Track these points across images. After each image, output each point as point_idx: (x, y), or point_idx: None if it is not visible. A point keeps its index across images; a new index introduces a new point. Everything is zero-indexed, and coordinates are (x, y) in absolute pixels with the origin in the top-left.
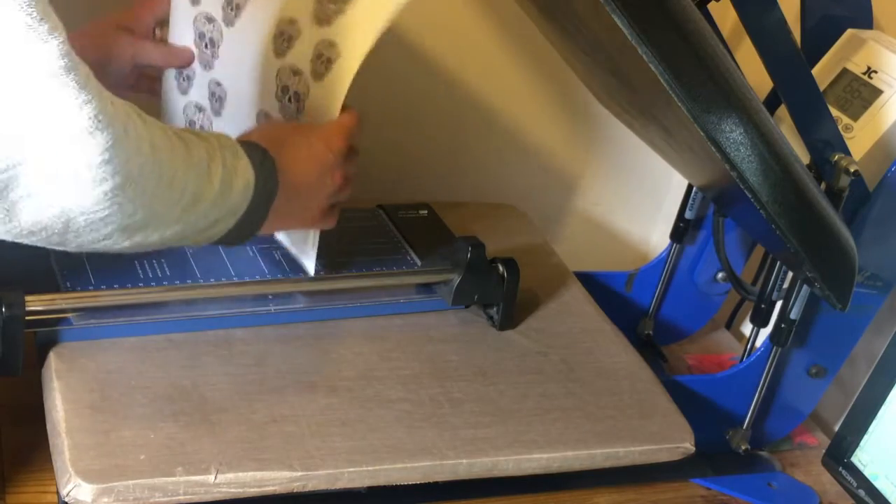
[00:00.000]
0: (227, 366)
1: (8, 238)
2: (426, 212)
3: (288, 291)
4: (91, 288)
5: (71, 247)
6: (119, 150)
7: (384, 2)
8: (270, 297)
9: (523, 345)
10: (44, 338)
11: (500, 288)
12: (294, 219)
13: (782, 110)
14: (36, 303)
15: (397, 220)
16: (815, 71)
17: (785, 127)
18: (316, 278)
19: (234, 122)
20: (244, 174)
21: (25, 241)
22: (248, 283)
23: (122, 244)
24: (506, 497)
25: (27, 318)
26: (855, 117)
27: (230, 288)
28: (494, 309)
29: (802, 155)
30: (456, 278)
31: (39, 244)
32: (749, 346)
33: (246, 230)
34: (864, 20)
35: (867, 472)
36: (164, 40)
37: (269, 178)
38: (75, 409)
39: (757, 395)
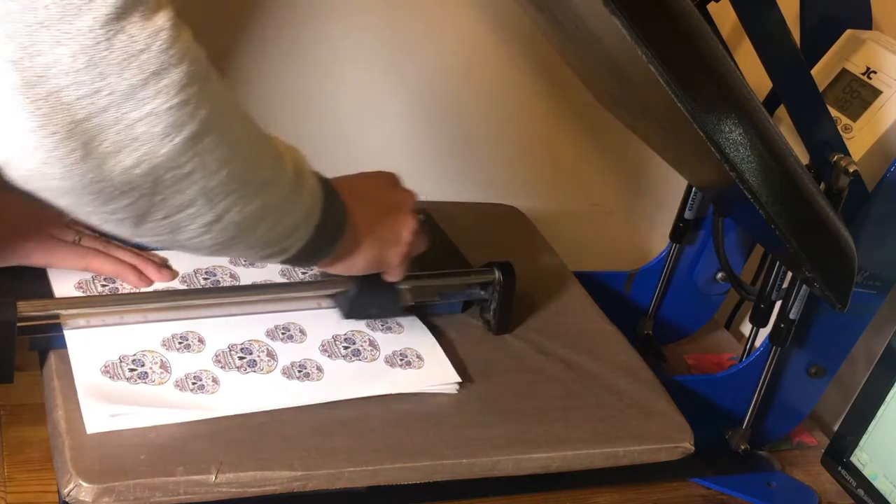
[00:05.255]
0: None
1: (97, 210)
2: (422, 216)
3: (284, 296)
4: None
5: (157, 225)
6: (198, 91)
7: None
8: (261, 302)
9: (523, 345)
10: (39, 343)
11: (398, 302)
12: (370, 249)
13: (782, 110)
14: (29, 309)
15: None
16: (814, 71)
17: (784, 127)
18: (304, 283)
19: None
20: (311, 179)
21: (115, 210)
22: (234, 289)
23: (207, 217)
24: (506, 497)
25: (20, 324)
26: (854, 117)
27: (219, 295)
28: (490, 313)
29: (802, 155)
30: (352, 290)
31: (128, 219)
32: (748, 346)
33: (323, 242)
34: (864, 21)
35: (866, 472)
36: None
37: (332, 193)
38: (76, 408)
39: (756, 394)
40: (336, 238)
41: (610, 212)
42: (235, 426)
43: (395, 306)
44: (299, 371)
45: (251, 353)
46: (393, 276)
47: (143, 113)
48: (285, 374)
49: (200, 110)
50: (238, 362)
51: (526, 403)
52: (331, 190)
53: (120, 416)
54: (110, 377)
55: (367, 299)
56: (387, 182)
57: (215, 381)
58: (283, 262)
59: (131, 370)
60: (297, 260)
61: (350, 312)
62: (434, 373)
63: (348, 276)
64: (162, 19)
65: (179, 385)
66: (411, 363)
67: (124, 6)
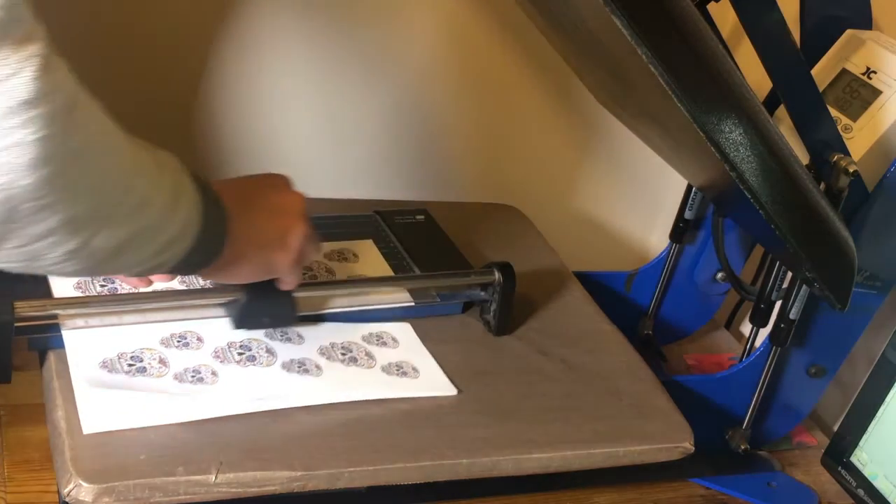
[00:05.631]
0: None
1: None
2: (423, 217)
3: None
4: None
5: (11, 252)
6: (69, 121)
7: None
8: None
9: (523, 345)
10: (38, 343)
11: (293, 311)
12: (254, 257)
13: (782, 110)
14: (26, 309)
15: (394, 226)
16: (814, 71)
17: (784, 127)
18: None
19: None
20: (189, 190)
21: None
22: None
23: (69, 246)
24: (506, 497)
25: (17, 324)
26: (854, 118)
27: (218, 295)
28: (491, 314)
29: (802, 155)
30: (243, 298)
31: None
32: (748, 346)
33: (203, 253)
34: (864, 21)
35: (866, 472)
36: None
37: (212, 202)
38: (75, 408)
39: (756, 394)
40: (217, 248)
41: (610, 212)
42: (235, 426)
43: (289, 315)
44: (299, 367)
45: (250, 350)
46: (287, 285)
47: (8, 142)
48: (285, 368)
49: (71, 141)
50: (237, 357)
51: (526, 403)
52: (211, 199)
53: (118, 411)
54: (108, 371)
55: (260, 308)
56: (274, 184)
57: (214, 374)
58: (162, 273)
59: (129, 365)
60: (176, 271)
61: (241, 322)
62: (430, 383)
63: (239, 283)
64: (35, 47)
65: (178, 378)
66: (407, 374)
67: None
